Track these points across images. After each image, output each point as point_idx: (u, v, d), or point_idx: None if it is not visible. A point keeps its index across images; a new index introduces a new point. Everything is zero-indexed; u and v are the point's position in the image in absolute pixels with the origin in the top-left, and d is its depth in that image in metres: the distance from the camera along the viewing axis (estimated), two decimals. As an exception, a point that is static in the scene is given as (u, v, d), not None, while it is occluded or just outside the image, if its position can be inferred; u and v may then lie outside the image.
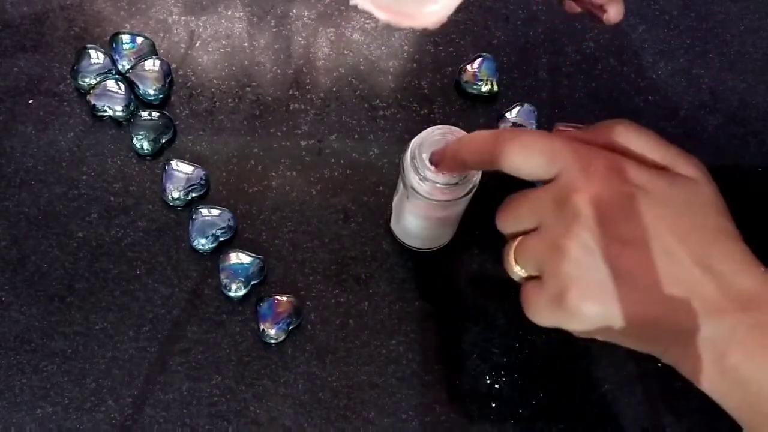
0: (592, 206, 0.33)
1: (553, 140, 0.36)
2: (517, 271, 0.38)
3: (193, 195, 0.56)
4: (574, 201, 0.34)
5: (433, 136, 0.45)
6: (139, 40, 0.60)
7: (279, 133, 0.59)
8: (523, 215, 0.37)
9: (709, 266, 0.33)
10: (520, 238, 0.37)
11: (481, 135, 0.39)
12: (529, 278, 0.37)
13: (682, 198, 0.35)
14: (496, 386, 0.52)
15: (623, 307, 0.33)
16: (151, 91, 0.58)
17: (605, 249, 0.33)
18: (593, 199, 0.33)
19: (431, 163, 0.44)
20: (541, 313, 0.36)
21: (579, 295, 0.33)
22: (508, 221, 0.38)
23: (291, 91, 0.60)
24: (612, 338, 0.35)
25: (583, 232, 0.33)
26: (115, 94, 0.58)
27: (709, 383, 0.34)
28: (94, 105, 0.58)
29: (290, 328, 0.52)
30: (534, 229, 0.36)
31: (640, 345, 0.35)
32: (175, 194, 0.55)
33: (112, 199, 0.56)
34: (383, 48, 0.62)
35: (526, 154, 0.36)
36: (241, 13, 0.63)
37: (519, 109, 0.59)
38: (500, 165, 0.37)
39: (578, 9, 0.46)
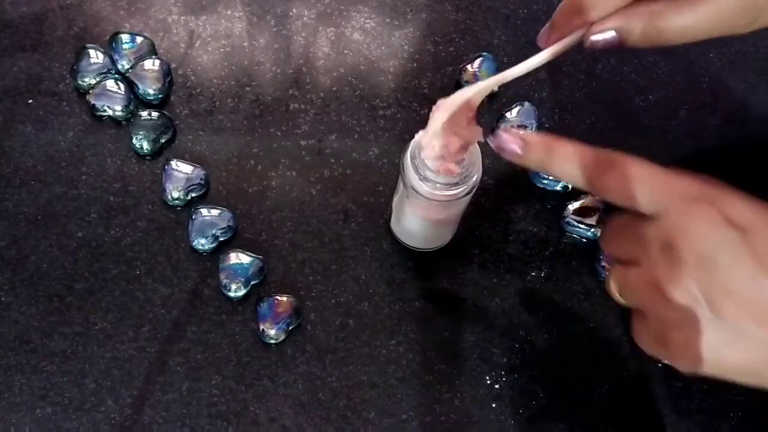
0: (697, 253, 0.33)
1: (658, 176, 0.36)
2: (620, 299, 0.38)
3: (193, 195, 0.55)
4: (679, 246, 0.34)
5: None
6: (139, 39, 0.60)
7: (279, 133, 0.59)
8: (626, 246, 0.37)
9: None
10: (618, 266, 0.38)
11: (578, 153, 0.38)
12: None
13: None
14: (496, 386, 0.52)
15: (728, 354, 0.34)
16: (151, 91, 0.58)
17: (708, 297, 0.33)
18: (698, 245, 0.34)
19: (497, 148, 0.40)
20: (646, 347, 0.37)
21: (682, 341, 0.34)
22: (610, 246, 0.39)
23: (291, 91, 0.60)
24: (719, 376, 0.35)
25: (688, 279, 0.33)
26: (115, 94, 0.57)
27: None
28: (94, 105, 0.57)
29: (290, 328, 0.52)
30: (635, 263, 0.36)
31: (745, 382, 0.36)
32: (175, 194, 0.55)
33: (111, 199, 0.56)
34: (383, 48, 0.62)
35: (631, 188, 0.36)
36: (241, 13, 0.63)
37: (519, 109, 0.59)
38: (596, 193, 0.37)
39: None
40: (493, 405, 0.52)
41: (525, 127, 0.59)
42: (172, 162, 0.56)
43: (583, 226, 0.56)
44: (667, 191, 0.35)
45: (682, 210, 0.34)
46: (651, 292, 0.35)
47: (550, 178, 0.57)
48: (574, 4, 0.39)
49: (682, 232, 0.34)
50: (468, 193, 0.46)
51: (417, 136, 0.45)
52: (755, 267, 0.33)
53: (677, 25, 0.37)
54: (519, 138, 0.40)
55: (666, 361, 0.36)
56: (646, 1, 0.38)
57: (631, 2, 0.38)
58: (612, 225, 0.39)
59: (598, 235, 0.56)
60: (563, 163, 0.38)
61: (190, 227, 0.54)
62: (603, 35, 0.40)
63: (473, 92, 0.41)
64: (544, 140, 0.39)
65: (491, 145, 0.41)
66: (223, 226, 0.54)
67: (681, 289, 0.34)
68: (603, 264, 0.55)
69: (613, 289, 0.38)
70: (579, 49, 0.63)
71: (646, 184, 0.36)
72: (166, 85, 0.59)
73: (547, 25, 0.42)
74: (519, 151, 0.39)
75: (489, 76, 0.60)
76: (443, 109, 0.41)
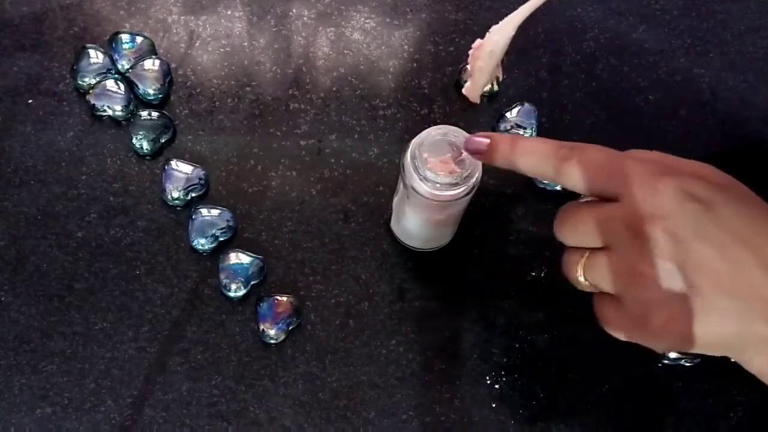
0: (666, 232, 0.34)
1: (615, 158, 0.37)
2: (586, 285, 0.39)
3: (193, 195, 0.55)
4: (648, 228, 0.34)
5: (433, 137, 0.45)
6: (139, 39, 0.60)
7: (279, 133, 0.59)
8: (589, 233, 0.37)
9: None
10: (587, 254, 0.38)
11: (541, 145, 0.39)
12: (601, 292, 0.38)
13: (736, 205, 0.36)
14: (496, 386, 0.52)
15: (705, 326, 0.34)
16: (151, 91, 0.58)
17: (683, 272, 0.34)
18: (666, 224, 0.34)
19: (467, 150, 0.43)
20: (623, 332, 0.37)
21: (663, 320, 0.35)
22: (570, 235, 0.39)
23: (291, 91, 0.60)
24: (691, 350, 0.36)
25: (661, 258, 0.34)
26: (115, 94, 0.57)
27: None
28: (94, 105, 0.57)
29: (290, 328, 0.52)
30: (601, 248, 0.37)
31: (717, 352, 0.37)
32: (175, 194, 0.55)
33: (111, 199, 0.56)
34: (383, 48, 0.62)
35: (588, 173, 0.37)
36: (241, 13, 0.63)
37: (519, 109, 0.59)
38: (559, 180, 0.38)
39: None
40: (493, 405, 0.52)
41: (524, 126, 0.59)
42: (172, 162, 0.56)
43: (583, 226, 0.56)
44: (627, 173, 0.36)
45: (643, 190, 0.35)
46: (626, 275, 0.35)
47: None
48: None
49: (648, 212, 0.35)
50: (468, 194, 0.46)
51: (418, 136, 0.45)
52: (722, 239, 0.34)
53: None
54: (486, 137, 0.42)
55: (641, 343, 0.37)
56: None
57: None
58: (567, 213, 0.39)
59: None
60: (526, 156, 0.40)
61: (190, 227, 0.54)
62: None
63: (519, 18, 0.44)
64: (508, 137, 0.41)
65: (464, 150, 0.44)
66: (223, 226, 0.54)
67: (657, 269, 0.34)
68: None
69: (578, 276, 0.39)
70: (579, 49, 0.63)
71: (605, 168, 0.37)
72: (166, 85, 0.59)
73: None
74: (485, 148, 0.41)
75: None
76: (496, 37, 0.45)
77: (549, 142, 0.39)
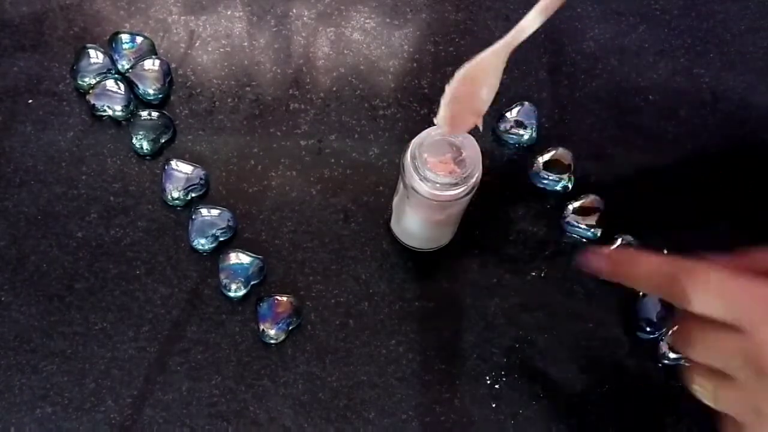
0: None
1: (734, 284, 0.35)
2: (707, 402, 0.39)
3: (193, 195, 0.55)
4: None
5: (433, 137, 0.45)
6: (139, 39, 0.60)
7: (279, 133, 0.59)
8: (710, 356, 0.37)
9: None
10: (706, 375, 0.38)
11: (660, 264, 0.38)
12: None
13: None
14: (496, 386, 0.52)
15: None
16: (151, 91, 0.58)
17: None
18: None
19: (584, 266, 0.42)
20: None
21: None
22: (691, 352, 0.38)
23: (291, 91, 0.60)
24: None
25: None
26: (115, 94, 0.57)
27: None
28: (94, 105, 0.57)
29: (290, 328, 0.52)
30: (726, 374, 0.36)
31: None
32: (175, 194, 0.55)
33: (111, 199, 0.56)
34: (383, 48, 0.62)
35: (705, 299, 0.35)
36: (241, 13, 0.63)
37: (519, 109, 0.59)
38: (674, 303, 0.37)
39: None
40: (493, 405, 0.52)
41: (524, 126, 0.59)
42: (172, 162, 0.56)
43: (583, 226, 0.56)
44: (751, 305, 0.35)
45: None
46: (750, 413, 0.35)
47: (550, 177, 0.57)
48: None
49: None
50: (468, 194, 0.46)
51: (418, 136, 0.45)
52: None
53: None
54: (605, 256, 0.42)
55: None
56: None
57: None
58: (690, 329, 0.38)
59: (597, 235, 0.56)
60: (644, 276, 0.39)
61: (190, 227, 0.54)
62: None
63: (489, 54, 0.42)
64: (626, 256, 0.42)
65: (578, 264, 0.43)
66: (223, 226, 0.54)
67: None
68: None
69: (706, 398, 0.38)
70: (579, 49, 0.63)
71: (724, 296, 0.35)
72: (166, 85, 0.59)
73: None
74: (605, 270, 0.41)
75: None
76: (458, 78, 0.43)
77: (663, 263, 0.38)
